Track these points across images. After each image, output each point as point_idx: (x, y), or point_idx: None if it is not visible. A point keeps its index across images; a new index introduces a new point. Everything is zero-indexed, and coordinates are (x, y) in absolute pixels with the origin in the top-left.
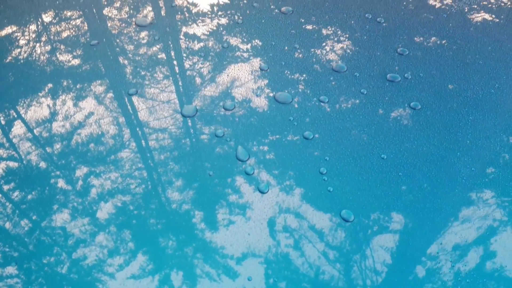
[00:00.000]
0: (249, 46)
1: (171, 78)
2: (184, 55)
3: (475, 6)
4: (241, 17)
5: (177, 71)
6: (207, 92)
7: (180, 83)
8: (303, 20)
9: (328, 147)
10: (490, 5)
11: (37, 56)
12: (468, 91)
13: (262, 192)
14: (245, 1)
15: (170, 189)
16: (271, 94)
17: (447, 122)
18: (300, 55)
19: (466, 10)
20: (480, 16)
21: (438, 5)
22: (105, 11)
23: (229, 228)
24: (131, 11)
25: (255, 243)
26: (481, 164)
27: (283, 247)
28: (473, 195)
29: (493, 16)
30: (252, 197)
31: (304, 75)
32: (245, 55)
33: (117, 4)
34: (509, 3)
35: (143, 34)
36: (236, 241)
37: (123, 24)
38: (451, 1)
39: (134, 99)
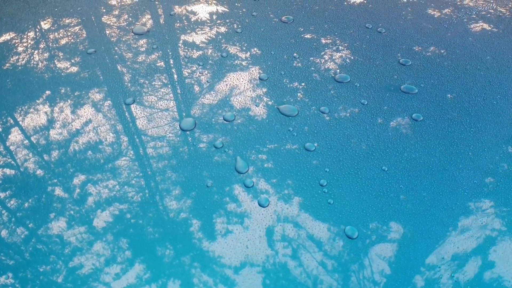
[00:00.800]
0: (248, 55)
1: (169, 87)
2: (183, 63)
3: (474, 16)
4: (240, 26)
5: (176, 80)
6: (205, 102)
7: (178, 92)
8: (302, 29)
9: (329, 158)
10: (489, 15)
11: (33, 64)
12: (470, 101)
13: (262, 206)
14: (244, 10)
15: (168, 200)
16: (270, 103)
17: (448, 133)
18: (300, 65)
19: (465, 20)
20: (480, 26)
21: (437, 14)
22: (103, 19)
23: (228, 240)
24: (130, 19)
25: (254, 257)
26: (483, 175)
27: (283, 261)
28: (476, 207)
29: (492, 26)
30: (251, 210)
31: (304, 85)
32: (244, 63)
33: (116, 12)
34: (507, 13)
35: (141, 42)
36: (234, 253)
37: (121, 33)
38: (450, 10)
39: (132, 108)
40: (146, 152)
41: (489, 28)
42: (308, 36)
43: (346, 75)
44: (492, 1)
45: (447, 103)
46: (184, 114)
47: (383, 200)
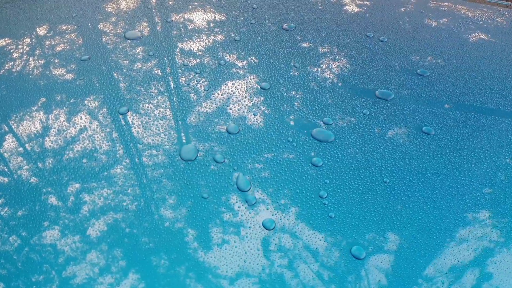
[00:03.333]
0: (246, 63)
1: (165, 94)
2: (180, 71)
3: (472, 26)
4: (238, 34)
5: (172, 88)
6: (202, 110)
7: (175, 101)
8: (301, 38)
9: (330, 170)
10: (486, 26)
11: (28, 70)
12: (469, 112)
13: (266, 228)
14: (242, 18)
15: (164, 209)
16: (268, 112)
17: (449, 143)
18: (299, 74)
19: (462, 30)
20: (477, 36)
21: (434, 24)
22: (99, 26)
23: (225, 253)
24: (125, 26)
25: (251, 271)
26: (486, 186)
27: (281, 275)
28: (480, 220)
29: (489, 36)
30: (250, 225)
31: (306, 95)
32: (242, 72)
33: (111, 19)
34: None
35: (138, 49)
36: (230, 265)
37: (117, 40)
38: (447, 20)
39: (127, 116)
40: (142, 161)
41: (487, 38)
42: (307, 45)
43: (389, 92)
44: (490, 11)
45: (447, 114)
46: (184, 141)
47: (385, 212)
